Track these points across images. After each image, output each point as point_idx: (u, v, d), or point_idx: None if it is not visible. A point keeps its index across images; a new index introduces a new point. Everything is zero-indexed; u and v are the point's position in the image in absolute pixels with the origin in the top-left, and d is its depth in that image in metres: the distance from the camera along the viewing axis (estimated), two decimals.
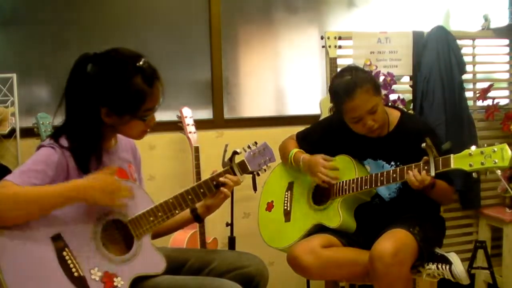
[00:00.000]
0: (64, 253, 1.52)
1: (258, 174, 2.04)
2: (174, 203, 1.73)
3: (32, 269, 1.47)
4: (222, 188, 1.82)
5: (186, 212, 1.87)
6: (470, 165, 1.85)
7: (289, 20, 3.36)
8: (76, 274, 1.51)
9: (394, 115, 2.26)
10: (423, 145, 1.92)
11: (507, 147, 1.81)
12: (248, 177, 2.77)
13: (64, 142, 1.61)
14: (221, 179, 1.82)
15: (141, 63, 1.60)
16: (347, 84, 2.10)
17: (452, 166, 1.89)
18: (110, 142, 1.75)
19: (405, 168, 2.02)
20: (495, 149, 1.81)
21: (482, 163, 1.83)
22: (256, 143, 2.00)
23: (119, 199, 1.59)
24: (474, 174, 1.86)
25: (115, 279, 1.58)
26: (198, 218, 1.90)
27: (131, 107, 1.60)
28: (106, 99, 1.59)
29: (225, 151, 1.93)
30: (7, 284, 1.41)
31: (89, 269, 1.54)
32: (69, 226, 1.54)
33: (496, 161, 1.80)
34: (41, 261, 1.48)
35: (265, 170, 2.02)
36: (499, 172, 1.91)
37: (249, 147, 1.97)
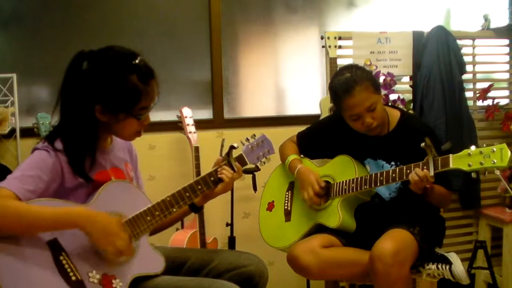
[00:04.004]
0: (61, 257, 1.50)
1: (258, 168, 1.99)
2: (172, 201, 1.71)
3: (29, 275, 1.45)
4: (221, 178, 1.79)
5: None
6: (469, 165, 1.85)
7: (289, 20, 3.36)
8: (73, 278, 1.50)
9: (394, 115, 2.26)
10: (422, 144, 1.92)
11: (506, 147, 1.80)
12: (248, 177, 2.79)
13: (59, 145, 1.58)
14: (219, 174, 1.80)
15: (137, 61, 1.59)
16: (346, 81, 2.10)
17: (451, 166, 1.89)
18: (105, 141, 1.73)
19: (405, 168, 2.02)
20: (494, 149, 1.81)
21: (481, 163, 1.82)
22: (254, 135, 1.96)
23: (114, 246, 1.53)
24: (473, 174, 1.86)
25: (113, 281, 1.57)
26: (194, 207, 1.88)
27: (126, 105, 1.59)
28: (101, 97, 1.57)
29: (222, 146, 1.89)
30: None
31: (87, 272, 1.53)
32: (65, 230, 1.52)
33: (495, 161, 1.80)
34: (38, 266, 1.47)
35: (264, 162, 1.97)
36: (498, 172, 1.91)
37: (247, 139, 1.94)
